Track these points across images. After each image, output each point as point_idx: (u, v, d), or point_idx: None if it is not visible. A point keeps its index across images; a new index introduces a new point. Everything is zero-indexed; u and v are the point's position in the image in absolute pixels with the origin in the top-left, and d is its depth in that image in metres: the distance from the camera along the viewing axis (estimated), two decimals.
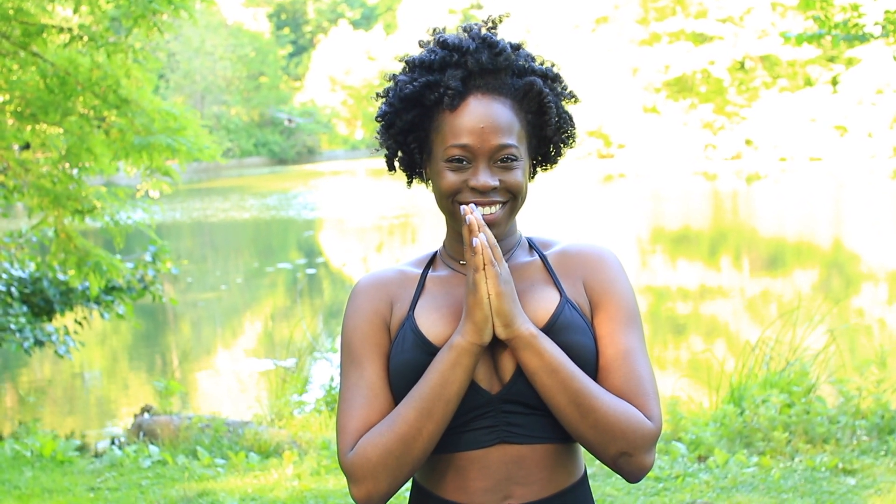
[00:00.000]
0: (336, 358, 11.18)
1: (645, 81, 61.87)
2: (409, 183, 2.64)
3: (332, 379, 10.28)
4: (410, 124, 2.49)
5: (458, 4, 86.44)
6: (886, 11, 8.59)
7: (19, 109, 8.64)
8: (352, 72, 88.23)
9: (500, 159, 2.40)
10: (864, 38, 8.27)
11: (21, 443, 8.95)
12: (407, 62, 2.52)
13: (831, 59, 56.00)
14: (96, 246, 9.44)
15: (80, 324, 12.54)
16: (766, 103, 58.14)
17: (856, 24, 8.20)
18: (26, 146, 9.35)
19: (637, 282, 20.13)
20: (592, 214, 34.95)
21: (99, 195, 8.94)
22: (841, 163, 51.84)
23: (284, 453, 8.25)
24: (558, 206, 35.40)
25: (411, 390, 2.36)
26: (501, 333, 2.33)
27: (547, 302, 2.44)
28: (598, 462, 7.69)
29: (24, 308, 11.77)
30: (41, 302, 11.98)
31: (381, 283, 2.56)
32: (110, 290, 12.03)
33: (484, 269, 2.31)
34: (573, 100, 2.58)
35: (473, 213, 2.33)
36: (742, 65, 60.75)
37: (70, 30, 8.20)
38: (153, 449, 8.61)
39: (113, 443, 9.87)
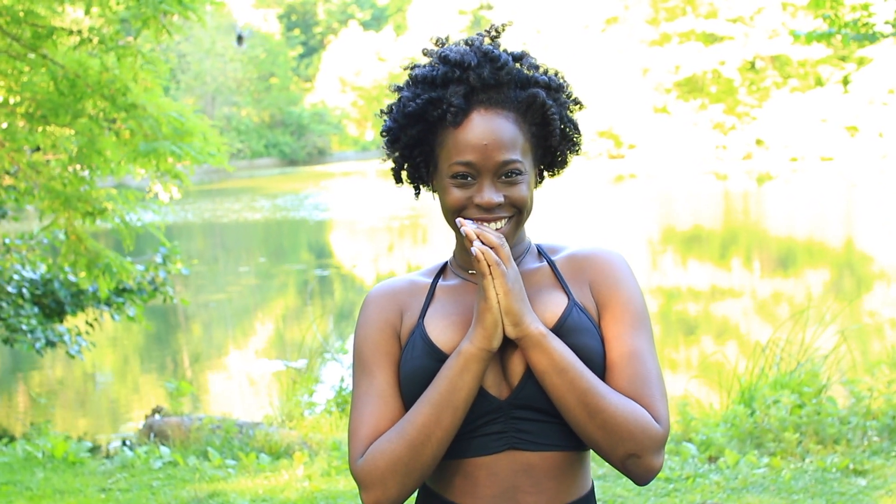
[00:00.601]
0: (346, 359, 11.21)
1: (655, 82, 61.81)
2: (417, 194, 2.65)
3: (342, 380, 10.29)
4: (415, 139, 2.49)
5: (468, 5, 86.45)
6: None
7: (30, 111, 8.66)
8: (362, 73, 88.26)
9: (505, 174, 2.40)
10: (874, 38, 8.25)
11: (33, 444, 8.97)
12: (410, 76, 2.52)
13: (842, 59, 55.90)
14: (107, 248, 9.46)
15: (91, 325, 12.57)
16: (777, 103, 58.07)
17: (866, 24, 8.18)
18: (37, 148, 9.37)
19: (648, 282, 20.12)
20: (603, 215, 34.94)
21: (109, 197, 8.96)
22: (852, 163, 51.75)
23: (295, 454, 8.26)
24: (569, 208, 35.38)
25: (420, 397, 2.37)
26: (511, 332, 2.33)
27: (554, 305, 2.44)
28: (607, 463, 7.69)
29: (36, 309, 11.80)
30: (52, 303, 12.01)
31: (392, 293, 2.57)
32: (121, 291, 12.06)
33: (490, 271, 2.31)
34: (578, 106, 2.56)
35: (466, 226, 2.35)
36: (752, 65, 60.67)
37: (80, 32, 8.22)
38: (164, 450, 8.62)
39: (124, 444, 9.89)
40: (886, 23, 8.82)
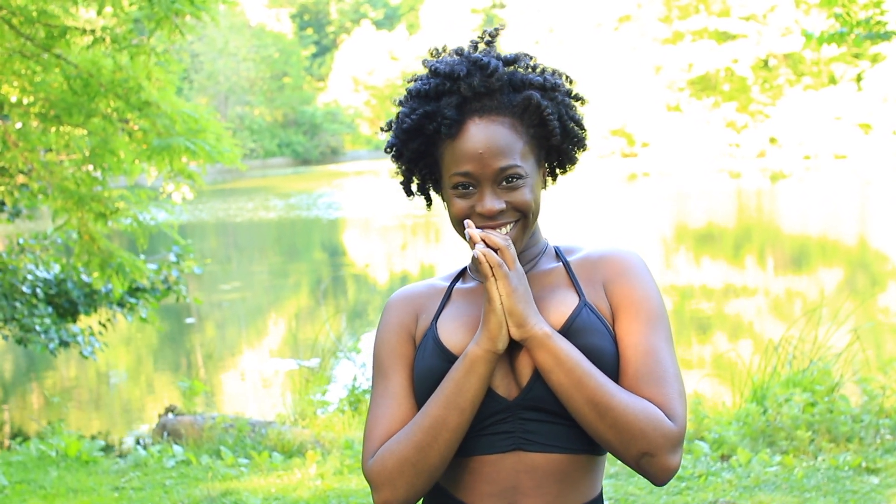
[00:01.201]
0: (359, 358, 11.23)
1: (668, 80, 61.79)
2: (429, 204, 2.66)
3: (355, 379, 10.30)
4: (418, 153, 2.50)
5: (481, 3, 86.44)
6: None
7: (43, 111, 8.68)
8: (375, 72, 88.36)
9: (504, 180, 2.40)
10: (887, 37, 8.22)
11: (46, 443, 9.00)
12: (406, 91, 2.53)
13: (856, 56, 55.74)
14: (120, 247, 9.48)
15: (104, 325, 12.60)
16: (791, 101, 57.99)
17: (878, 22, 8.15)
18: (50, 148, 9.39)
19: (661, 280, 20.09)
20: (616, 214, 34.90)
21: (122, 197, 8.97)
22: (866, 160, 51.61)
23: (307, 453, 8.27)
24: (582, 206, 35.36)
25: (428, 399, 2.38)
26: (515, 334, 2.33)
27: (564, 306, 2.43)
28: (619, 461, 7.69)
29: (49, 309, 11.83)
30: (66, 303, 12.04)
31: (410, 297, 2.59)
32: (134, 291, 12.08)
33: (493, 273, 2.32)
34: (580, 102, 2.55)
35: (470, 228, 2.36)
36: (766, 63, 60.59)
37: (93, 32, 8.23)
38: (177, 449, 8.64)
39: (137, 443, 9.91)
40: None
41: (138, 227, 8.89)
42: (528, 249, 2.53)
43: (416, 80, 2.53)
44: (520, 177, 2.41)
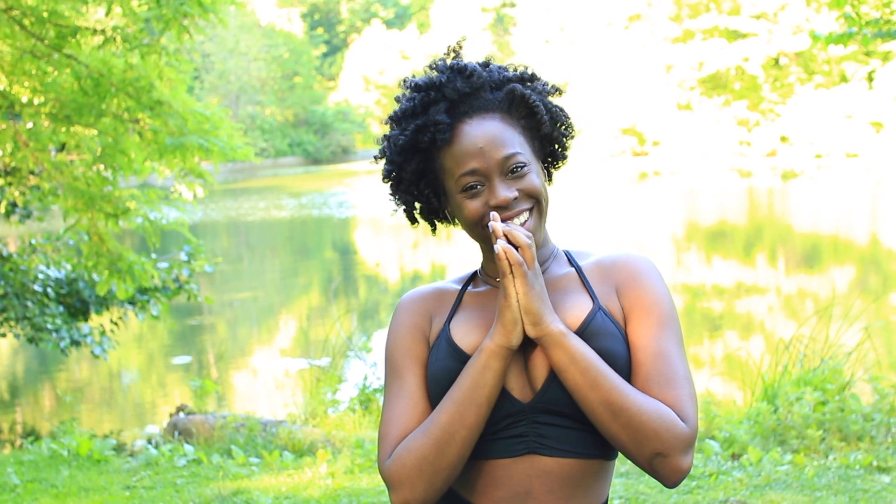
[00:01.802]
0: (370, 357, 11.24)
1: (679, 79, 61.70)
2: (434, 230, 2.69)
3: (365, 378, 10.31)
4: (417, 173, 2.53)
5: (491, 2, 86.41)
6: None
7: (54, 111, 8.69)
8: (385, 71, 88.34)
9: (511, 170, 2.42)
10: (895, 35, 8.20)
11: (58, 442, 9.02)
12: (391, 117, 2.56)
13: (867, 55, 55.61)
14: (133, 246, 9.50)
15: (115, 324, 12.63)
16: (802, 100, 57.87)
17: (888, 21, 8.13)
18: (61, 148, 9.41)
19: (672, 279, 20.08)
20: (627, 213, 34.87)
21: (132, 196, 8.98)
22: (877, 159, 51.50)
23: (318, 452, 8.28)
24: (593, 205, 35.33)
25: (444, 396, 2.38)
26: (531, 332, 2.34)
27: (579, 309, 2.44)
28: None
29: (61, 309, 11.86)
30: (77, 302, 12.07)
31: (422, 299, 2.60)
32: (145, 290, 12.10)
33: (512, 270, 2.32)
34: (557, 93, 2.59)
35: (496, 221, 2.35)
36: (776, 61, 60.47)
37: (104, 31, 8.24)
38: (188, 448, 8.66)
39: (149, 442, 9.93)
40: None
41: (149, 226, 8.90)
42: (539, 251, 2.53)
43: (398, 104, 2.56)
44: (524, 164, 2.43)
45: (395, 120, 2.55)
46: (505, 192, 2.40)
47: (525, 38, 72.03)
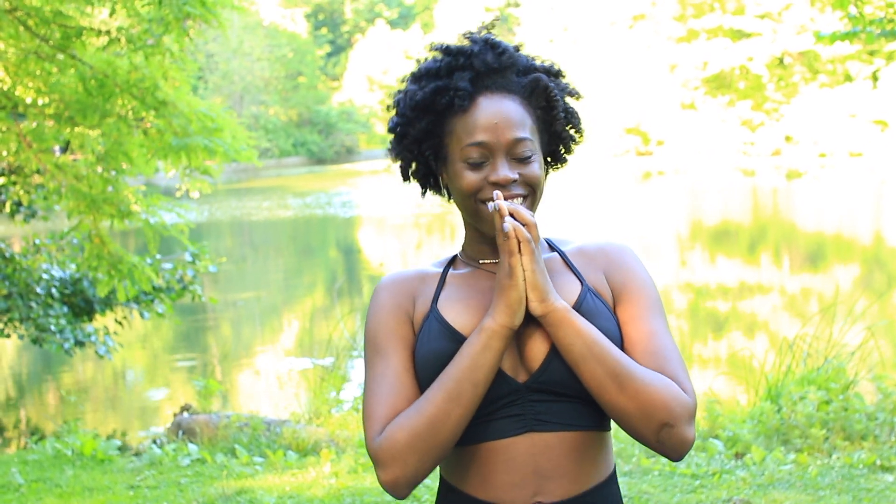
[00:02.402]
0: None
1: (683, 78, 61.70)
2: (423, 193, 2.68)
3: None
4: (424, 132, 2.52)
5: (495, 2, 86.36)
6: None
7: (58, 112, 8.70)
8: (390, 71, 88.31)
9: (517, 153, 2.43)
10: None
11: (62, 442, 9.03)
12: (413, 73, 2.57)
13: (871, 54, 55.58)
14: (134, 249, 9.50)
15: (120, 324, 12.63)
16: (806, 99, 57.84)
17: (892, 20, 8.13)
18: (65, 148, 9.42)
19: (676, 278, 20.09)
20: (631, 212, 34.86)
21: (135, 198, 8.98)
22: (881, 158, 51.46)
23: (322, 451, 8.28)
24: (597, 204, 35.33)
25: (440, 374, 2.37)
26: (537, 309, 2.35)
27: (569, 292, 2.46)
28: (633, 459, 7.70)
29: (65, 309, 11.86)
30: (81, 302, 12.07)
31: (403, 281, 2.59)
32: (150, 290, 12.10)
33: (520, 248, 2.33)
34: (576, 96, 2.61)
35: (500, 199, 2.35)
36: (781, 61, 60.44)
37: (108, 32, 8.25)
38: (192, 447, 8.66)
39: (153, 442, 9.94)
40: None
41: (150, 230, 8.90)
42: None
43: (425, 61, 2.57)
44: (531, 151, 2.45)
45: (416, 77, 2.56)
46: (507, 171, 2.41)
47: (529, 38, 72.03)
